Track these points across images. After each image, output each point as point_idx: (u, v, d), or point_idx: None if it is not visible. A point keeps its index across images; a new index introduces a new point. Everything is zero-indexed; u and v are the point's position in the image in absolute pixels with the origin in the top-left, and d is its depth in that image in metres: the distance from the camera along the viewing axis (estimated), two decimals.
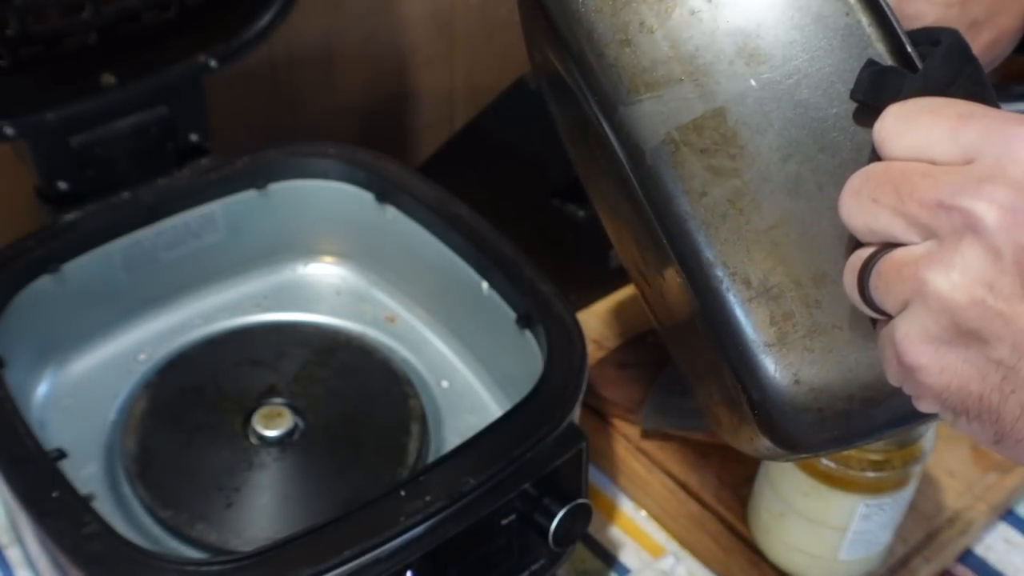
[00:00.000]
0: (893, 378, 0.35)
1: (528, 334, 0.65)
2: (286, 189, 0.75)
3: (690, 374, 0.48)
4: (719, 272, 0.38)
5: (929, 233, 0.32)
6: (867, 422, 0.39)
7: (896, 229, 0.33)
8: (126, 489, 0.63)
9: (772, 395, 0.38)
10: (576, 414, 0.60)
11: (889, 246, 0.34)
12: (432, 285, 0.74)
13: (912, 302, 0.32)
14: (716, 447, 0.73)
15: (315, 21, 0.85)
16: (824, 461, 0.59)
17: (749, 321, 0.38)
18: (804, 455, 0.41)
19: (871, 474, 0.59)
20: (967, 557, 0.72)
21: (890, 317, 0.34)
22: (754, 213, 0.38)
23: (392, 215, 0.74)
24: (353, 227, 0.77)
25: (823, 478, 0.59)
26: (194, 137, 0.73)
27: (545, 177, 0.79)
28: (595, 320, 0.84)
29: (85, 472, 0.63)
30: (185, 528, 0.60)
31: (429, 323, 0.75)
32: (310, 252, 0.79)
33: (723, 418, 0.44)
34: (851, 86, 0.38)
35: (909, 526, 0.68)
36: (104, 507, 0.61)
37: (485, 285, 0.68)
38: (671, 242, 0.39)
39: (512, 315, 0.66)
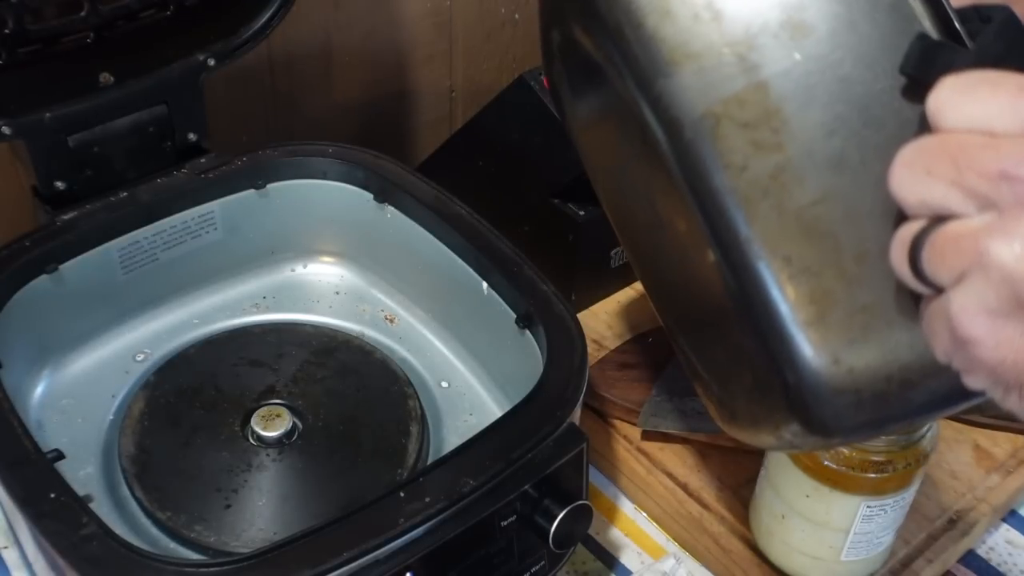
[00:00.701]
0: (942, 353, 0.35)
1: (528, 334, 0.65)
2: (285, 189, 0.75)
3: (701, 369, 0.48)
4: (758, 249, 0.37)
5: (988, 204, 0.32)
6: (903, 405, 0.38)
7: (952, 201, 0.32)
8: (124, 490, 0.62)
9: (809, 376, 0.37)
10: (576, 415, 0.60)
11: (941, 219, 0.33)
12: (432, 285, 0.74)
13: (970, 274, 0.32)
14: (716, 448, 0.73)
15: (314, 20, 0.85)
16: (826, 462, 0.59)
17: (788, 299, 0.37)
18: (834, 441, 0.40)
19: (873, 475, 0.58)
20: (969, 558, 0.72)
21: (940, 291, 0.33)
22: (796, 189, 0.37)
23: (391, 215, 0.73)
24: (352, 227, 0.76)
25: (825, 479, 0.59)
26: (192, 136, 0.73)
27: (545, 177, 0.78)
28: (595, 320, 0.83)
29: (83, 473, 0.63)
30: (183, 529, 0.59)
31: (429, 323, 0.75)
32: (309, 252, 0.79)
33: (740, 411, 0.44)
34: (896, 62, 0.37)
35: (911, 527, 0.68)
36: (102, 508, 0.61)
37: (485, 285, 0.68)
38: (708, 219, 0.39)
39: (512, 315, 0.66)
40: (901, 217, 0.35)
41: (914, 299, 0.36)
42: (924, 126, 0.34)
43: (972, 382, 0.34)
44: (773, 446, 0.43)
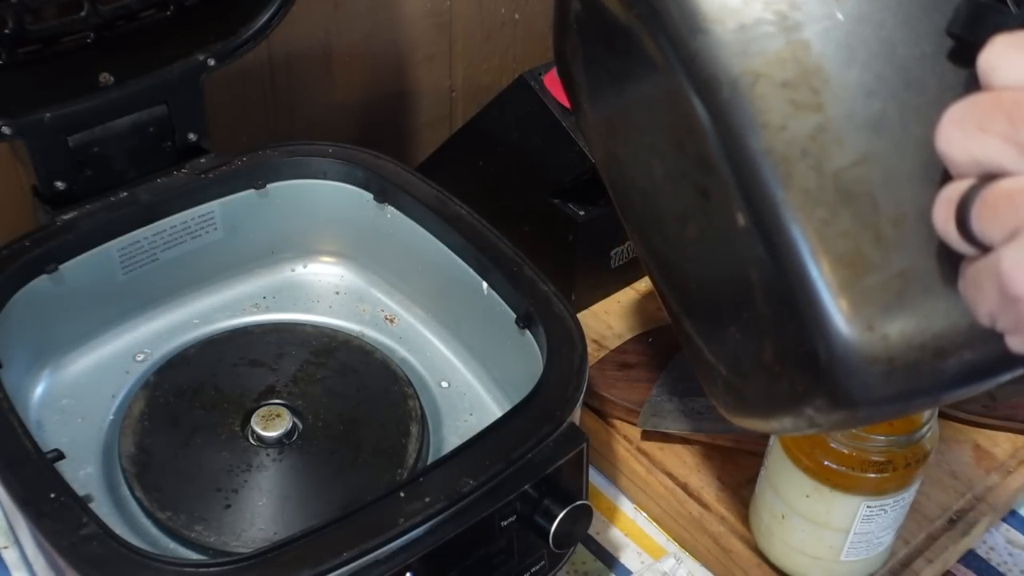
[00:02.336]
0: (985, 315, 0.34)
1: (528, 334, 0.65)
2: (285, 189, 0.75)
3: (709, 354, 0.47)
4: (794, 211, 0.37)
5: None
6: (934, 376, 0.37)
7: (1006, 158, 0.32)
8: (124, 490, 0.62)
9: (842, 343, 0.36)
10: (576, 415, 0.60)
11: (991, 177, 0.33)
12: (432, 285, 0.74)
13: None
14: (716, 448, 0.73)
15: (314, 20, 0.85)
16: (826, 462, 0.59)
17: (822, 263, 0.36)
18: (858, 415, 0.39)
19: (873, 475, 0.58)
20: (969, 558, 0.72)
21: (986, 251, 0.33)
22: (835, 150, 0.37)
23: (391, 215, 0.73)
24: (352, 227, 0.76)
25: (825, 479, 0.59)
26: (192, 136, 0.73)
27: (545, 177, 0.78)
28: (595, 320, 0.83)
29: (83, 473, 0.63)
30: (183, 529, 0.59)
31: (429, 323, 0.75)
32: (309, 252, 0.79)
33: (753, 393, 0.43)
34: (938, 25, 0.37)
35: (911, 527, 0.68)
36: (102, 508, 0.61)
37: (485, 285, 0.68)
38: (742, 182, 0.38)
39: (512, 315, 0.66)
40: (945, 178, 0.34)
41: (951, 266, 0.36)
42: (971, 86, 0.34)
43: (1018, 343, 0.34)
44: (786, 428, 0.42)
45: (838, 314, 0.36)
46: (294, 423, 0.65)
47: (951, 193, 0.34)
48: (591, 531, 0.71)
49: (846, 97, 0.37)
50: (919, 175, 0.36)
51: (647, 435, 0.73)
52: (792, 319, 0.38)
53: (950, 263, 0.36)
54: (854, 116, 0.37)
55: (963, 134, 0.33)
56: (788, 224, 0.37)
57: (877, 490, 0.59)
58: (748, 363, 0.43)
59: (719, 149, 0.39)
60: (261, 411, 0.65)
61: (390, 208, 0.73)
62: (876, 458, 0.58)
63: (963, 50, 0.36)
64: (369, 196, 0.74)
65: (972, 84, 0.34)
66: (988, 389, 0.38)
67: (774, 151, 0.37)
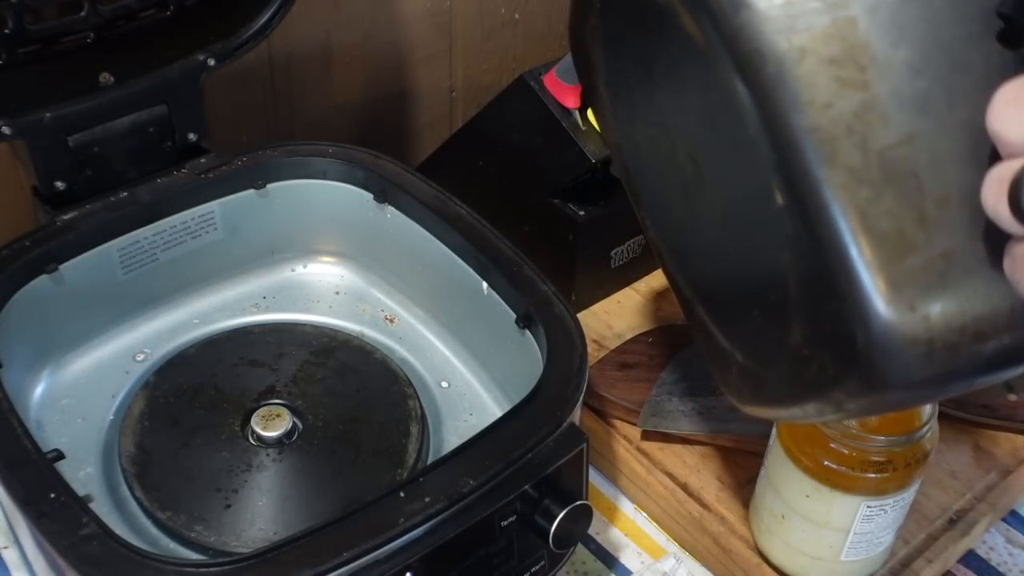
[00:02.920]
0: None
1: (528, 334, 0.65)
2: (285, 188, 0.75)
3: (725, 340, 0.46)
4: (837, 190, 0.36)
5: None
6: (971, 360, 0.37)
7: None
8: (124, 490, 0.62)
9: (882, 323, 0.36)
10: (576, 415, 0.60)
11: None
12: (432, 285, 0.74)
13: None
14: (716, 448, 0.73)
15: (314, 20, 0.85)
16: (826, 462, 0.59)
17: (866, 242, 0.36)
18: (890, 398, 0.38)
19: (873, 475, 0.58)
20: (969, 558, 0.72)
21: None
22: (881, 128, 0.37)
23: (391, 215, 0.73)
24: (352, 227, 0.76)
25: (825, 479, 0.59)
26: (192, 136, 0.73)
27: (545, 177, 0.78)
28: (595, 320, 0.83)
29: (83, 473, 0.63)
30: (183, 529, 0.59)
31: (429, 323, 0.75)
32: (309, 252, 0.79)
33: (774, 379, 0.42)
34: (986, 5, 0.36)
35: (911, 527, 0.68)
36: (102, 508, 0.61)
37: (485, 285, 0.68)
38: (784, 159, 0.37)
39: (512, 315, 0.66)
40: (994, 158, 0.34)
41: (995, 248, 0.35)
42: (1020, 67, 0.34)
43: None
44: (807, 415, 0.42)
45: (879, 294, 0.36)
46: (294, 423, 0.65)
47: (1003, 172, 0.34)
48: (591, 531, 0.71)
49: (892, 75, 0.37)
50: (964, 156, 0.36)
51: (647, 435, 0.73)
52: (828, 300, 0.37)
53: (994, 245, 0.36)
54: (900, 95, 0.37)
55: (1018, 113, 0.33)
56: (831, 203, 0.36)
57: (877, 490, 0.59)
58: (771, 348, 0.42)
59: (760, 127, 0.38)
60: (261, 411, 0.65)
61: (390, 208, 0.73)
62: (876, 458, 0.58)
63: (1012, 31, 0.36)
64: (369, 196, 0.74)
65: (1021, 65, 0.34)
66: (1009, 379, 0.38)
67: (819, 129, 0.37)
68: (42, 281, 0.65)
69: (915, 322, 0.36)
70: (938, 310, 0.36)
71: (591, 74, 0.52)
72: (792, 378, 0.42)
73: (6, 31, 0.62)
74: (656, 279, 0.88)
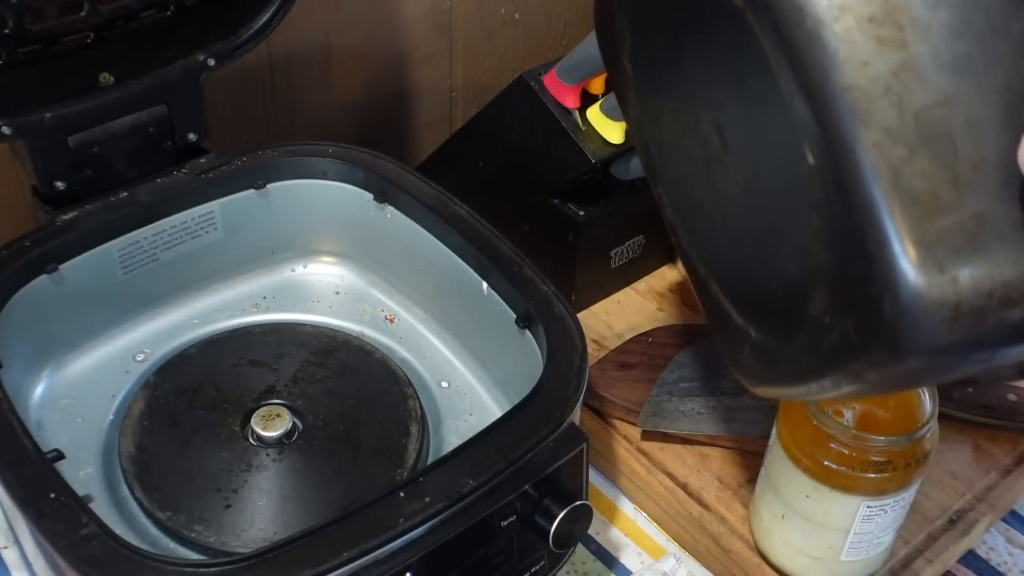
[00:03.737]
0: None
1: (528, 334, 0.65)
2: (285, 188, 0.75)
3: (739, 317, 0.46)
4: (872, 148, 0.36)
5: None
6: (998, 327, 0.37)
7: None
8: (124, 490, 0.62)
9: (910, 284, 0.36)
10: (576, 415, 0.60)
11: None
12: (432, 285, 0.74)
13: None
14: (717, 448, 0.73)
15: (314, 20, 0.85)
16: (826, 462, 0.59)
17: (898, 201, 0.36)
18: (911, 365, 0.38)
19: (873, 475, 0.58)
20: (969, 558, 0.72)
21: None
22: (917, 89, 0.37)
23: (391, 215, 0.73)
24: (352, 227, 0.76)
25: (825, 479, 0.59)
26: (192, 136, 0.73)
27: (545, 177, 0.78)
28: (595, 320, 0.83)
29: (83, 473, 0.63)
30: (183, 529, 0.59)
31: (429, 323, 0.75)
32: (309, 252, 0.79)
33: (790, 353, 0.42)
34: None
35: (911, 527, 0.68)
36: (102, 508, 0.61)
37: (485, 285, 0.68)
38: (819, 117, 0.37)
39: (512, 315, 0.66)
40: None
41: None
42: None
43: None
44: (823, 390, 0.41)
45: (909, 254, 0.36)
46: (294, 423, 0.65)
47: None
48: (591, 531, 0.71)
49: (931, 36, 0.37)
50: (1000, 120, 0.36)
51: (647, 435, 0.73)
52: (856, 263, 0.37)
53: None
54: (938, 56, 0.37)
55: None
56: (864, 161, 0.36)
57: (877, 490, 0.59)
58: (789, 320, 0.42)
59: (794, 86, 0.38)
60: (261, 411, 0.65)
61: (390, 208, 0.73)
62: (876, 458, 0.58)
63: None
64: (369, 196, 0.74)
65: None
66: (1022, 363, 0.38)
67: (856, 87, 0.37)
68: (42, 281, 0.65)
69: (943, 284, 0.36)
70: (967, 273, 0.36)
71: (616, 49, 0.52)
72: (811, 349, 0.41)
73: (6, 31, 0.62)
74: (656, 279, 0.88)
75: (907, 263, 0.36)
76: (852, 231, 0.37)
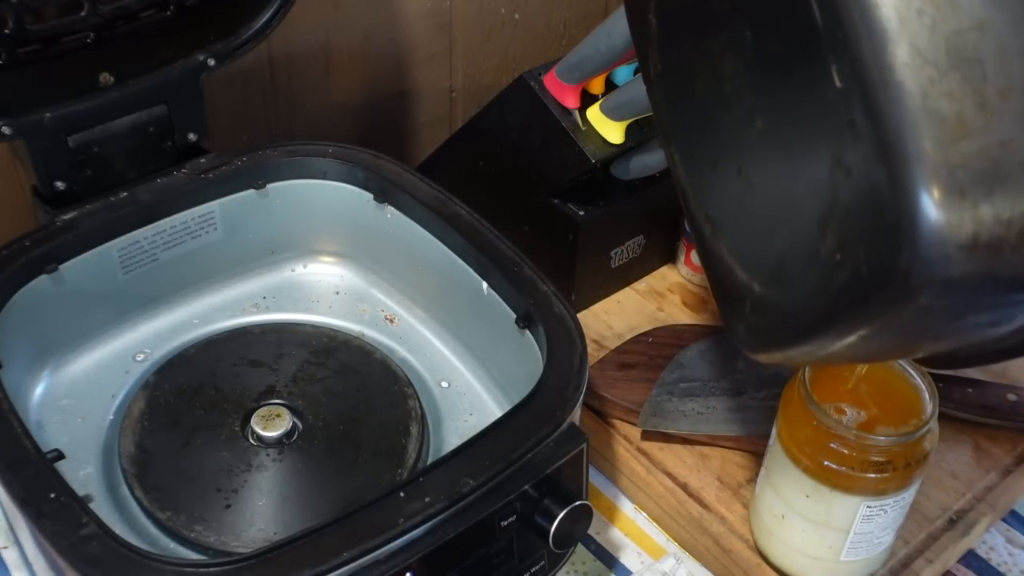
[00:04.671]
0: None
1: (528, 334, 0.65)
2: (285, 189, 0.75)
3: (745, 274, 0.46)
4: (902, 67, 0.36)
5: None
6: (1013, 264, 0.36)
7: None
8: (124, 490, 0.62)
9: (930, 205, 0.36)
10: (576, 415, 0.60)
11: None
12: (432, 285, 0.74)
13: None
14: (716, 448, 0.73)
15: (314, 20, 0.85)
16: (826, 462, 0.59)
17: (923, 121, 0.36)
18: (921, 305, 0.38)
19: (873, 475, 0.58)
20: (969, 558, 0.72)
21: None
22: (951, 12, 0.37)
23: (391, 215, 0.73)
24: (352, 227, 0.76)
25: (825, 479, 0.59)
26: (192, 136, 0.73)
27: (545, 177, 0.78)
28: (595, 320, 0.83)
29: (83, 473, 0.63)
30: (183, 529, 0.59)
31: (429, 323, 0.75)
32: (309, 252, 0.79)
33: (802, 303, 0.42)
34: None
35: (911, 527, 0.68)
36: (102, 508, 0.61)
37: (485, 285, 0.68)
38: (849, 36, 0.37)
39: (512, 315, 0.66)
40: None
41: None
42: None
43: None
44: (826, 344, 0.41)
45: (931, 175, 0.36)
46: (294, 423, 0.65)
47: None
48: (591, 531, 0.71)
49: None
50: None
51: (647, 435, 0.73)
52: (875, 188, 0.37)
53: None
54: None
55: None
56: (894, 80, 0.36)
57: (877, 490, 0.59)
58: (798, 264, 0.42)
59: (825, 6, 0.38)
60: (261, 411, 0.65)
61: (390, 208, 0.73)
62: (876, 458, 0.58)
63: None
64: (369, 196, 0.74)
65: None
66: None
67: (888, 5, 0.37)
68: (42, 281, 0.65)
69: (963, 209, 0.36)
70: (988, 199, 0.36)
71: (643, 3, 0.52)
72: (818, 293, 0.41)
73: (6, 31, 0.62)
74: (656, 279, 0.88)
75: (928, 184, 0.36)
76: (874, 154, 0.37)
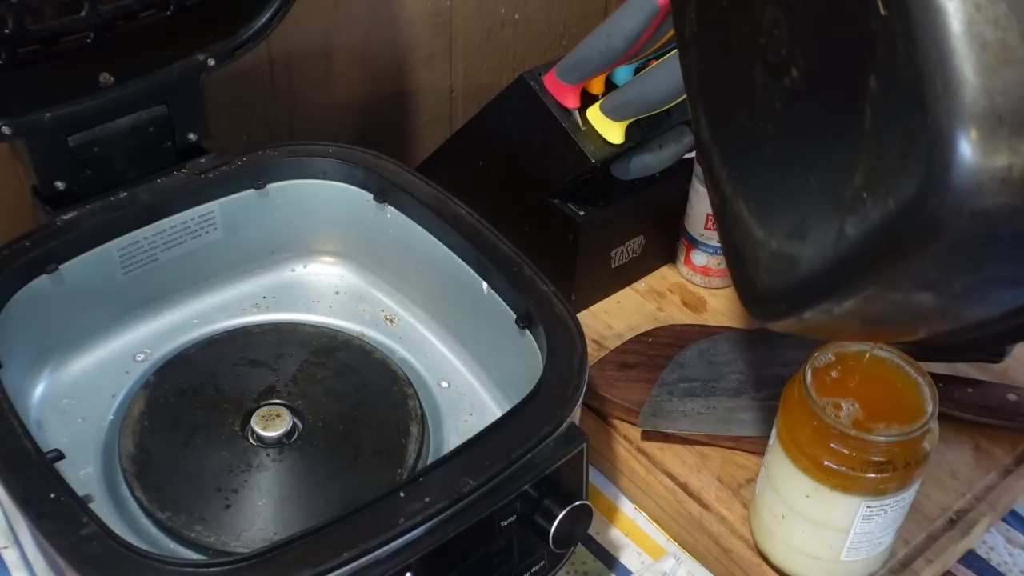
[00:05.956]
0: None
1: (528, 334, 0.65)
2: (285, 189, 0.75)
3: (762, 229, 0.46)
4: None
5: None
6: None
7: None
8: (124, 490, 0.62)
9: (967, 131, 0.35)
10: (576, 415, 0.60)
11: None
12: (432, 285, 0.74)
13: None
14: (716, 448, 0.73)
15: (314, 19, 0.85)
16: (826, 462, 0.59)
17: (966, 45, 0.36)
18: (948, 245, 0.37)
19: (873, 475, 0.58)
20: (969, 558, 0.72)
21: None
22: None
23: (391, 215, 0.73)
24: (352, 227, 0.76)
25: (825, 479, 0.59)
26: (192, 136, 0.73)
27: (545, 177, 0.78)
28: (595, 320, 0.83)
29: (83, 473, 0.63)
30: (183, 530, 0.59)
31: (429, 323, 0.75)
32: (309, 252, 0.79)
33: (813, 253, 0.42)
34: None
35: (911, 527, 0.68)
36: (102, 508, 0.61)
37: (485, 285, 0.68)
38: None
39: (512, 315, 0.66)
40: None
41: None
42: None
43: None
44: (843, 299, 0.41)
45: (971, 99, 0.36)
46: (294, 423, 0.65)
47: None
48: (591, 531, 0.71)
49: None
50: None
51: (647, 435, 0.73)
52: (911, 115, 0.37)
53: None
54: None
55: None
56: (940, 3, 0.36)
57: (877, 490, 0.59)
58: (822, 212, 0.42)
59: None
60: (261, 411, 0.65)
61: (390, 208, 0.73)
62: (876, 458, 0.58)
63: None
64: (369, 196, 0.74)
65: None
66: None
67: None
68: (42, 281, 0.65)
69: (999, 137, 0.36)
70: None
71: None
72: (842, 239, 0.41)
73: (6, 31, 0.62)
74: (656, 279, 0.88)
75: (966, 109, 0.36)
76: (913, 79, 0.37)
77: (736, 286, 0.52)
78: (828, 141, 0.43)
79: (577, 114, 0.76)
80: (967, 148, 0.36)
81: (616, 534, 0.72)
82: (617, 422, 0.75)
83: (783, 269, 0.46)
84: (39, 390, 0.67)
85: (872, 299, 0.41)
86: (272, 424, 0.64)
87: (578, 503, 0.57)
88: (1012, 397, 0.75)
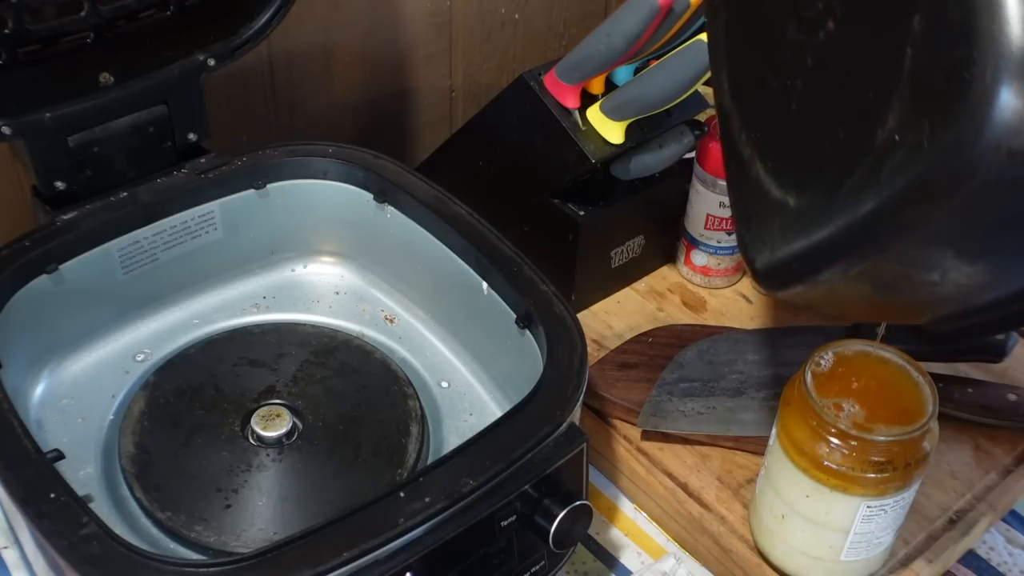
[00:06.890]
0: None
1: (528, 334, 0.65)
2: (285, 188, 0.75)
3: (779, 189, 0.47)
4: None
5: None
6: None
7: None
8: (124, 490, 0.62)
9: (1008, 67, 0.35)
10: (576, 415, 0.60)
11: None
12: (432, 285, 0.74)
13: None
14: (716, 448, 0.73)
15: (314, 19, 0.85)
16: (826, 462, 0.59)
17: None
18: (976, 185, 0.37)
19: (873, 475, 0.58)
20: (969, 558, 0.72)
21: None
22: None
23: (391, 215, 0.73)
24: (352, 227, 0.76)
25: (825, 480, 0.59)
26: (192, 136, 0.73)
27: (545, 177, 0.78)
28: (595, 320, 0.83)
29: (83, 473, 0.63)
30: (183, 529, 0.59)
31: (429, 323, 0.75)
32: (309, 252, 0.79)
33: (837, 204, 0.42)
34: None
35: (911, 527, 0.68)
36: (102, 508, 0.61)
37: (485, 285, 0.68)
38: None
39: (512, 315, 0.66)
40: None
41: None
42: None
43: None
44: (856, 263, 0.41)
45: (1020, 33, 0.35)
46: (294, 423, 0.65)
47: None
48: (591, 531, 0.71)
49: None
50: None
51: (647, 435, 0.73)
52: (953, 48, 0.37)
53: None
54: None
55: None
56: None
57: (877, 490, 0.59)
58: (848, 162, 0.42)
59: None
60: (261, 411, 0.65)
61: (390, 208, 0.73)
62: (876, 458, 0.58)
63: None
64: (369, 196, 0.74)
65: None
66: None
67: None
68: (42, 281, 0.65)
69: None
70: None
71: None
72: (867, 186, 0.41)
73: (6, 31, 0.62)
74: (656, 279, 0.88)
75: (1014, 43, 0.35)
76: (962, 14, 0.37)
77: (745, 257, 0.51)
78: (859, 90, 0.43)
79: (577, 114, 0.76)
80: (1012, 83, 0.35)
81: (616, 534, 0.72)
82: (617, 422, 0.75)
83: (801, 227, 0.45)
84: (39, 390, 0.67)
85: (891, 256, 0.41)
86: (272, 424, 0.64)
87: (578, 503, 0.57)
88: (1012, 397, 0.75)
